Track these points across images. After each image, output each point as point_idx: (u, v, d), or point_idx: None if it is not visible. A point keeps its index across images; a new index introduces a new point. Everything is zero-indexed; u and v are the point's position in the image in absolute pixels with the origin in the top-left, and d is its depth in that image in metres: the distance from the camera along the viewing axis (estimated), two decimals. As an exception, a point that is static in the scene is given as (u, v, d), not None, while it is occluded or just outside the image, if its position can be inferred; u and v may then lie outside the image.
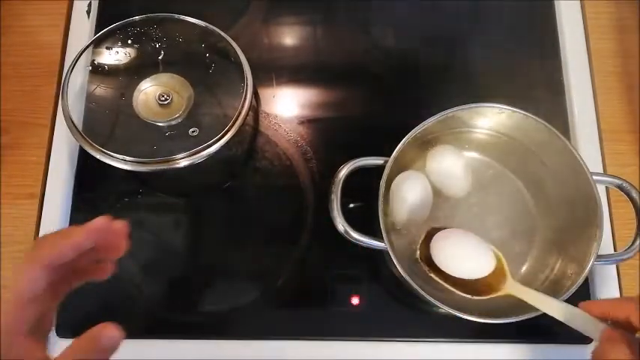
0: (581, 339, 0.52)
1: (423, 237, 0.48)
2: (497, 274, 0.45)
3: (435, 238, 0.47)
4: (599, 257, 0.46)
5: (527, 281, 0.51)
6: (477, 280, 0.45)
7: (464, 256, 0.45)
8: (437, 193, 0.53)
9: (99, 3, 0.64)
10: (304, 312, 0.53)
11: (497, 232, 0.53)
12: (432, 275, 0.46)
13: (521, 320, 0.44)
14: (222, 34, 0.54)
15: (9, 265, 0.54)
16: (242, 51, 0.54)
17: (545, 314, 0.42)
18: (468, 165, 0.53)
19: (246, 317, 0.52)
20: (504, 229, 0.53)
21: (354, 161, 0.48)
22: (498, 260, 0.45)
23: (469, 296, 0.45)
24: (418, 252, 0.47)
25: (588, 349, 0.52)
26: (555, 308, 0.40)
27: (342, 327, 0.52)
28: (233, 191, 0.58)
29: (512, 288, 0.44)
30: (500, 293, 0.44)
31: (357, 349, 0.52)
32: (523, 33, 0.64)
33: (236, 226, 0.56)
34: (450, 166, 0.53)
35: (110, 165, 0.50)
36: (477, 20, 0.65)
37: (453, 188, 0.53)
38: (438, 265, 0.46)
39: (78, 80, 0.57)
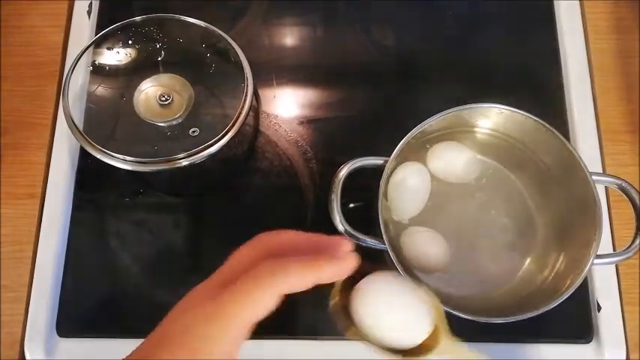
0: (581, 338, 0.53)
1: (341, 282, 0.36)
2: (434, 333, 0.36)
3: (357, 286, 0.36)
4: (598, 257, 0.46)
5: (526, 281, 0.51)
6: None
7: (390, 321, 0.35)
8: (438, 189, 0.53)
9: (99, 3, 0.64)
10: (304, 312, 0.53)
11: (496, 232, 0.53)
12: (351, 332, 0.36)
13: (521, 320, 0.44)
14: (223, 34, 0.54)
15: (9, 265, 0.54)
16: (242, 51, 0.54)
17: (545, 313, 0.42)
18: (470, 159, 0.54)
19: (247, 317, 0.52)
20: (504, 230, 0.53)
21: (354, 161, 0.48)
22: (438, 316, 0.36)
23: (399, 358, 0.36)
24: (332, 300, 0.36)
25: (588, 349, 0.52)
26: None
27: (343, 327, 0.52)
28: (233, 191, 0.58)
29: (447, 349, 0.36)
30: (431, 356, 0.35)
31: (357, 349, 0.51)
32: (523, 33, 0.64)
33: (236, 226, 0.56)
34: (451, 161, 0.53)
35: (111, 165, 0.50)
36: (476, 20, 0.65)
37: (454, 180, 0.54)
38: (357, 322, 0.36)
39: (79, 80, 0.57)
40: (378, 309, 0.35)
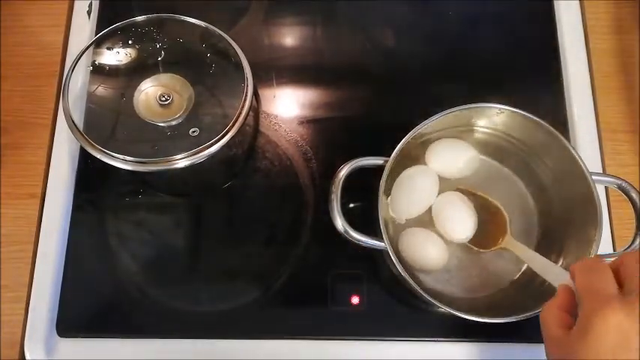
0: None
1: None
2: (501, 229, 0.50)
3: (434, 202, 0.53)
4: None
5: (527, 282, 0.51)
6: (480, 234, 0.51)
7: (451, 220, 0.51)
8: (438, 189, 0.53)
9: (99, 3, 0.64)
10: (304, 312, 0.53)
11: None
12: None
13: (521, 320, 0.44)
14: (223, 34, 0.54)
15: (9, 265, 0.54)
16: (242, 51, 0.54)
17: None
18: (470, 155, 0.54)
19: (246, 317, 0.53)
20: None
21: (354, 161, 0.48)
22: (501, 216, 0.50)
23: (475, 248, 0.51)
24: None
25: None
26: (540, 264, 0.45)
27: (342, 327, 0.52)
28: (233, 191, 0.58)
29: (508, 243, 0.49)
30: (496, 247, 0.50)
31: (357, 349, 0.52)
32: (523, 33, 0.64)
33: (236, 226, 0.56)
34: (451, 158, 0.53)
35: (111, 165, 0.50)
36: (476, 20, 0.65)
37: (453, 177, 0.54)
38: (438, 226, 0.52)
39: (79, 80, 0.57)
40: (453, 215, 0.52)
